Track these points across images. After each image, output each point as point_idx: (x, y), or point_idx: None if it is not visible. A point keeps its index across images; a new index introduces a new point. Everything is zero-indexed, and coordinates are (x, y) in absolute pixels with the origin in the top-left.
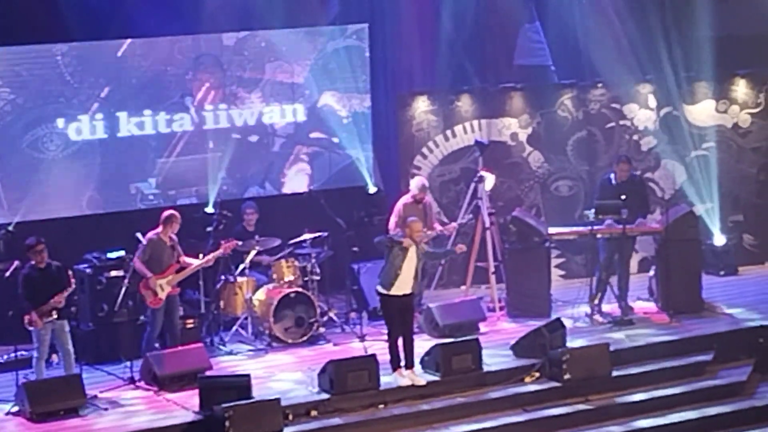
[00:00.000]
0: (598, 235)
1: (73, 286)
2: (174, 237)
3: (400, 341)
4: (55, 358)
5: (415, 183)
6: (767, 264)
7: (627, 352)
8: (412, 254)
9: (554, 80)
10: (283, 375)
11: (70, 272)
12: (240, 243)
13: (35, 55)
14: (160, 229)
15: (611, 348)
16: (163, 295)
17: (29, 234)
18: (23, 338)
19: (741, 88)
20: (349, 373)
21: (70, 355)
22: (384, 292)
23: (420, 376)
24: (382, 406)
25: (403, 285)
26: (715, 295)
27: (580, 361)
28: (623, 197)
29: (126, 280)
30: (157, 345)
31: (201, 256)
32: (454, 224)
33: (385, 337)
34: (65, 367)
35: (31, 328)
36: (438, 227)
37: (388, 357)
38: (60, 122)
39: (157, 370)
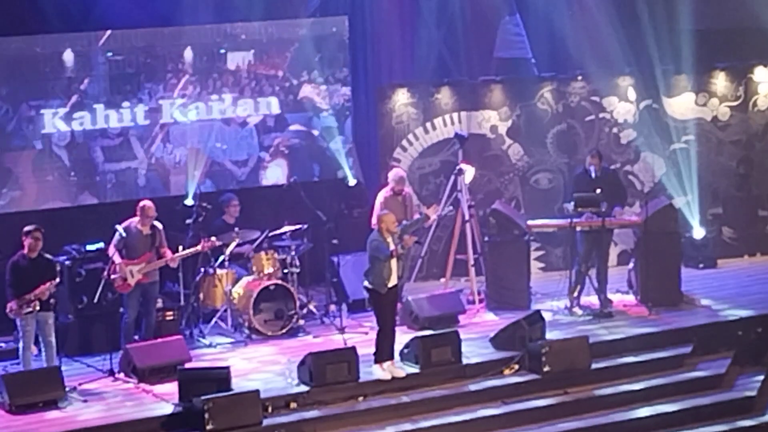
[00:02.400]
0: (578, 228)
1: (57, 279)
2: (157, 226)
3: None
4: (34, 349)
5: (392, 175)
6: (746, 257)
7: (606, 344)
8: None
9: (534, 73)
10: (262, 367)
11: (58, 266)
12: (219, 243)
13: (14, 47)
14: (136, 218)
15: (590, 340)
16: (132, 281)
17: (7, 226)
18: (2, 331)
19: (720, 81)
20: (328, 365)
21: (52, 348)
22: (376, 289)
23: (399, 368)
24: (361, 398)
25: (393, 278)
26: (694, 287)
27: (559, 353)
28: (598, 190)
29: (105, 272)
30: (136, 337)
31: (180, 248)
32: (435, 206)
33: (364, 330)
34: (46, 359)
35: (12, 317)
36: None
37: (367, 349)
38: (39, 114)
39: (137, 362)
